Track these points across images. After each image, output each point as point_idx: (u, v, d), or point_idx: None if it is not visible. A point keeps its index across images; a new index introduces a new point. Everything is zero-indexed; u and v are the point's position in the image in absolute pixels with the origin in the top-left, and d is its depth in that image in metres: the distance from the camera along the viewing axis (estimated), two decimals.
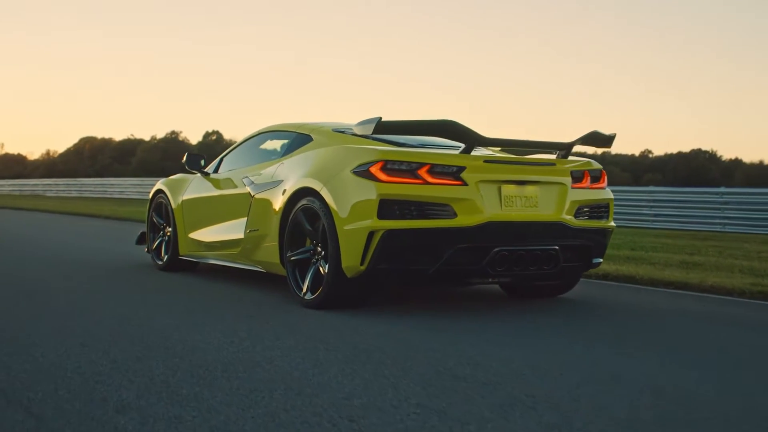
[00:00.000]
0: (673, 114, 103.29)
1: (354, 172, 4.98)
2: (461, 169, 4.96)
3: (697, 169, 63.31)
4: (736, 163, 68.42)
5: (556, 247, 5.16)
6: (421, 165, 4.91)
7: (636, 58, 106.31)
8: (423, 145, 5.62)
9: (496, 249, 4.94)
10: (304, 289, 5.27)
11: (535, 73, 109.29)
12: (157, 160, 76.31)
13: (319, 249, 5.24)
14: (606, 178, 5.69)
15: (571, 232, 5.27)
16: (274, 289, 6.10)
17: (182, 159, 7.00)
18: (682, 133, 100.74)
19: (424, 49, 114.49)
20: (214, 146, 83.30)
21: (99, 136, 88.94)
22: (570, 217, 5.27)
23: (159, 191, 7.53)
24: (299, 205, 5.35)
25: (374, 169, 4.89)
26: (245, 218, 6.10)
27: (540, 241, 5.15)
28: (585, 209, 5.41)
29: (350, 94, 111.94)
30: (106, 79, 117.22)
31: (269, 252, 5.73)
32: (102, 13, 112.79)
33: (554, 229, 5.22)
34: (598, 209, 5.52)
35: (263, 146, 6.78)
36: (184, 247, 7.07)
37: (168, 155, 78.64)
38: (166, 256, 7.29)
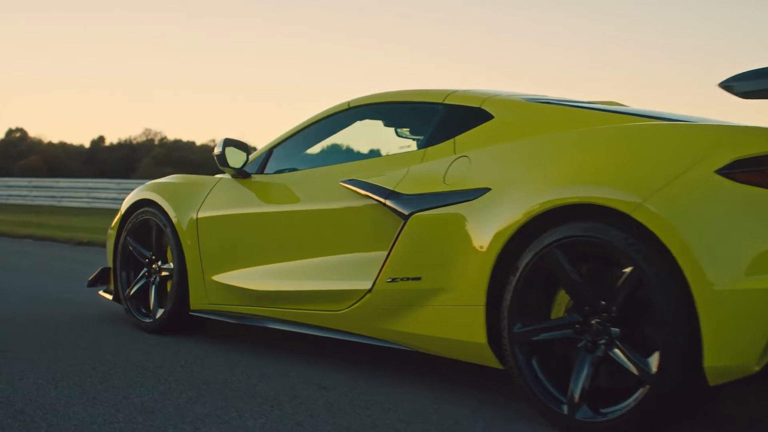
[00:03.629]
0: None
1: (725, 174, 2.50)
2: None
3: None
4: None
5: None
6: None
7: None
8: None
9: None
10: (576, 398, 2.71)
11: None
12: None
13: (596, 322, 2.71)
14: None
15: None
16: (435, 375, 3.48)
17: (213, 151, 4.14)
18: None
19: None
20: (18, 144, 75.86)
21: None
22: None
23: (143, 203, 4.61)
24: (555, 238, 2.79)
25: None
26: (374, 254, 3.44)
27: None
28: None
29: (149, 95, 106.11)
30: None
31: (452, 321, 3.13)
32: None
33: None
34: None
35: (355, 130, 4.10)
36: (199, 296, 4.24)
37: None
38: (160, 310, 4.41)
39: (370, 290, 3.41)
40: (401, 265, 3.28)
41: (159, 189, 4.53)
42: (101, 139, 74.62)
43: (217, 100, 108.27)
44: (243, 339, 4.37)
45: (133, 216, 4.62)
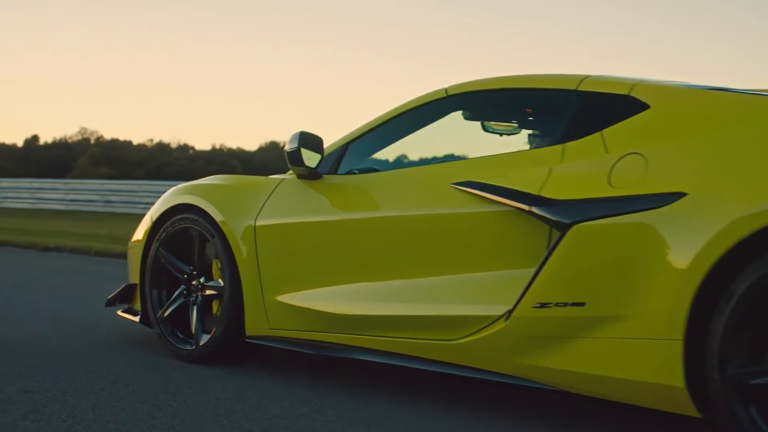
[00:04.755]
0: None
1: None
2: None
3: None
4: None
5: None
6: None
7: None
8: None
9: None
10: None
11: None
12: None
13: None
14: None
15: None
16: None
17: (287, 145, 3.45)
18: None
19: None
20: None
21: None
22: None
23: (181, 208, 3.90)
24: None
25: None
26: (509, 272, 2.83)
27: None
28: None
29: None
30: None
31: (632, 357, 2.53)
32: None
33: None
34: None
35: (452, 121, 3.50)
36: (258, 320, 3.56)
37: None
38: (205, 336, 3.71)
39: (505, 317, 2.79)
40: (557, 288, 2.66)
41: (203, 192, 3.81)
42: (35, 138, 72.13)
43: (153, 98, 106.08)
44: (308, 370, 3.70)
45: (168, 224, 3.90)
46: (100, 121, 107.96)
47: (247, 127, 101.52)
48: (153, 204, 4.04)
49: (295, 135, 3.37)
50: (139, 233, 4.10)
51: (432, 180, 3.14)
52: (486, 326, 2.85)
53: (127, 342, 4.21)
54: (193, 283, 3.84)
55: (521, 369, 2.80)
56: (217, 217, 3.67)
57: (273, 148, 70.67)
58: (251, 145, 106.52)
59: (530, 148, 3.31)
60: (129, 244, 4.27)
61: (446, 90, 3.37)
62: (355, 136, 3.55)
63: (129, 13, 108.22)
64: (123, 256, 9.37)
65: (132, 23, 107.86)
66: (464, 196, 2.98)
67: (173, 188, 4.06)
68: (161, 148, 70.49)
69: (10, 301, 5.65)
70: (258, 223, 3.57)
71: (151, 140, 76.19)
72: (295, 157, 3.38)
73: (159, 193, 22.64)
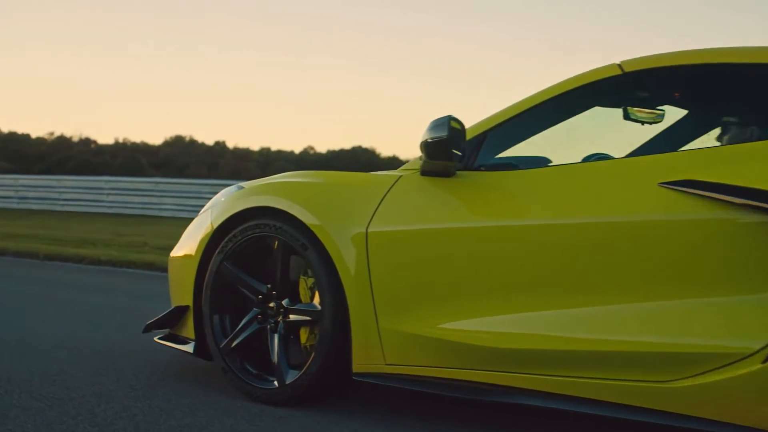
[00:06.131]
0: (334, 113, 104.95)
1: None
2: None
3: (362, 165, 62.11)
4: (395, 159, 68.62)
5: None
6: None
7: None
8: None
9: None
10: None
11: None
12: None
13: None
14: None
15: None
16: None
17: (426, 134, 2.70)
18: (344, 130, 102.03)
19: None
20: None
21: None
22: None
23: (255, 212, 3.11)
24: None
25: None
26: (751, 297, 2.23)
27: None
28: None
29: None
30: None
31: None
32: None
33: None
34: None
35: (641, 100, 2.86)
36: (370, 353, 2.84)
37: None
38: (293, 372, 2.95)
39: (763, 354, 2.15)
40: None
41: (288, 192, 3.04)
42: None
43: (52, 90, 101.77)
44: (429, 415, 2.98)
45: (236, 232, 3.10)
46: None
47: (151, 121, 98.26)
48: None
49: (442, 121, 2.65)
50: (190, 244, 3.30)
51: (626, 178, 2.48)
52: (727, 365, 2.22)
53: (169, 377, 3.40)
54: (271, 305, 3.07)
55: None
56: (313, 222, 2.91)
57: (178, 142, 68.58)
58: (156, 139, 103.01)
59: (733, 137, 2.70)
60: (171, 257, 3.47)
61: (621, 66, 2.71)
62: (497, 122, 2.84)
63: (25, 2, 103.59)
64: (76, 259, 8.39)
65: (28, 12, 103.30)
66: (680, 198, 2.35)
67: (233, 188, 3.29)
68: (62, 141, 67.58)
69: None
70: (371, 230, 2.83)
71: (52, 134, 73.02)
72: (441, 149, 2.65)
73: (79, 189, 21.25)
